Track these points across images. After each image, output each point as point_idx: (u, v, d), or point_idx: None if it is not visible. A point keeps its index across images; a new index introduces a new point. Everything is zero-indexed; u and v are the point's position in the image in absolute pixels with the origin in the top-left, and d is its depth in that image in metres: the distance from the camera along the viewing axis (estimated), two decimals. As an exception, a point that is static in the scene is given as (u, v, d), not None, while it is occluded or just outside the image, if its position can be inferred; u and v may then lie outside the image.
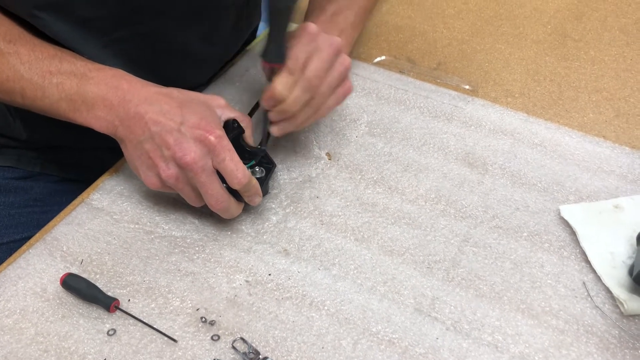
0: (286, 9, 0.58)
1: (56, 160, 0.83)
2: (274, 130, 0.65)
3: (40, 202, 0.82)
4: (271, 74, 0.62)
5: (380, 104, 0.79)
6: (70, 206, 0.66)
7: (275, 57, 0.60)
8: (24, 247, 0.62)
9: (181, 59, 0.75)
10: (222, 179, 0.59)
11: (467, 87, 0.82)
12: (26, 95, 0.60)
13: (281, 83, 0.61)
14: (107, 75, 0.60)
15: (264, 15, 0.94)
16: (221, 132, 0.58)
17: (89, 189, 0.68)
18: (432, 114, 0.78)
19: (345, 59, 0.65)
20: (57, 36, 0.64)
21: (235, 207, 0.61)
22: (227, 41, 0.81)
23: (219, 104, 0.63)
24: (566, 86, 0.83)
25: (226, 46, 0.83)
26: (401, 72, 0.85)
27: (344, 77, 0.65)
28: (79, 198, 0.67)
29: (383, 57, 0.87)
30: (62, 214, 0.65)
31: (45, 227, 0.64)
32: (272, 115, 0.63)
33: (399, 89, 0.81)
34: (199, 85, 0.81)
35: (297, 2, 0.59)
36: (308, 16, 0.75)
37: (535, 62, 0.87)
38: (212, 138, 0.57)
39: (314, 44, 0.62)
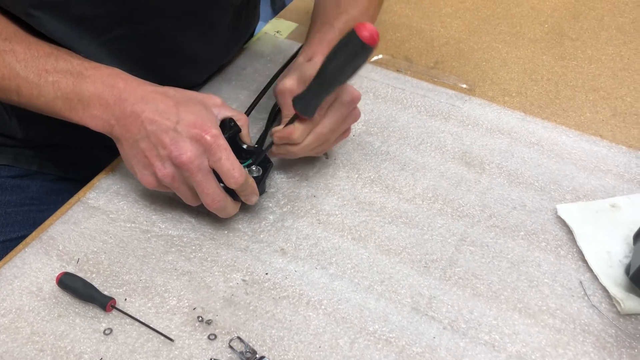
0: (340, 81, 0.59)
1: (53, 159, 0.83)
2: (273, 153, 0.66)
3: (37, 201, 0.81)
4: (293, 117, 0.63)
5: (377, 103, 0.79)
6: (66, 205, 0.66)
7: (308, 112, 0.61)
8: (19, 245, 0.62)
9: (179, 58, 0.75)
10: (219, 178, 0.58)
11: (464, 86, 0.82)
12: (22, 93, 0.60)
13: (299, 130, 0.62)
14: (104, 73, 0.60)
15: (262, 14, 0.94)
16: (217, 132, 0.58)
17: (85, 188, 0.68)
18: (429, 112, 0.78)
19: (357, 113, 0.67)
20: (52, 35, 0.64)
21: (231, 207, 0.61)
22: (225, 42, 0.81)
23: (215, 103, 0.63)
24: (563, 85, 0.83)
25: (225, 47, 0.82)
26: (398, 70, 0.84)
27: (349, 126, 0.68)
28: (75, 197, 0.67)
29: (380, 56, 0.87)
30: (58, 212, 0.65)
31: (42, 226, 0.64)
32: (276, 148, 0.65)
33: (396, 87, 0.81)
34: (196, 84, 0.81)
35: (353, 77, 0.59)
36: (315, 30, 0.71)
37: (532, 61, 0.87)
38: (208, 137, 0.57)
39: (336, 95, 0.63)
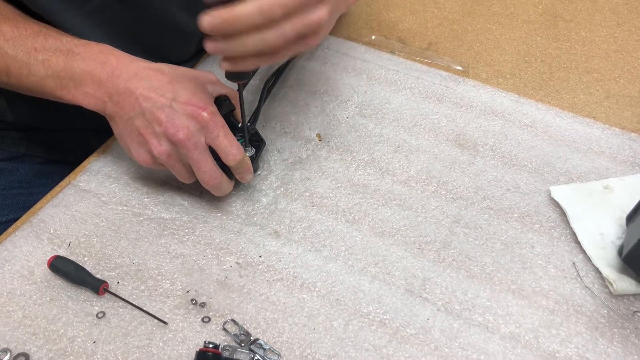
0: None
1: (41, 142, 0.82)
2: (224, 66, 0.52)
3: (26, 184, 0.80)
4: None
5: (371, 85, 0.78)
6: (57, 188, 0.65)
7: None
8: (10, 229, 0.61)
9: (164, 30, 0.73)
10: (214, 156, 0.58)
11: (458, 67, 0.82)
12: (11, 73, 0.59)
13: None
14: (94, 50, 0.59)
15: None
16: (214, 109, 0.57)
17: (76, 171, 0.67)
18: (423, 94, 0.77)
19: (321, 10, 0.50)
20: (39, 7, 0.62)
21: (227, 184, 0.61)
22: None
23: (210, 80, 0.63)
24: (557, 67, 0.83)
25: None
26: (392, 52, 0.84)
27: (311, 31, 0.51)
28: (66, 180, 0.66)
29: (374, 37, 0.86)
30: (48, 195, 0.64)
31: (32, 209, 0.63)
32: (209, 23, 0.50)
33: (390, 69, 0.81)
34: (185, 59, 0.80)
35: None
36: None
37: (526, 42, 0.87)
38: (205, 114, 0.56)
39: None
